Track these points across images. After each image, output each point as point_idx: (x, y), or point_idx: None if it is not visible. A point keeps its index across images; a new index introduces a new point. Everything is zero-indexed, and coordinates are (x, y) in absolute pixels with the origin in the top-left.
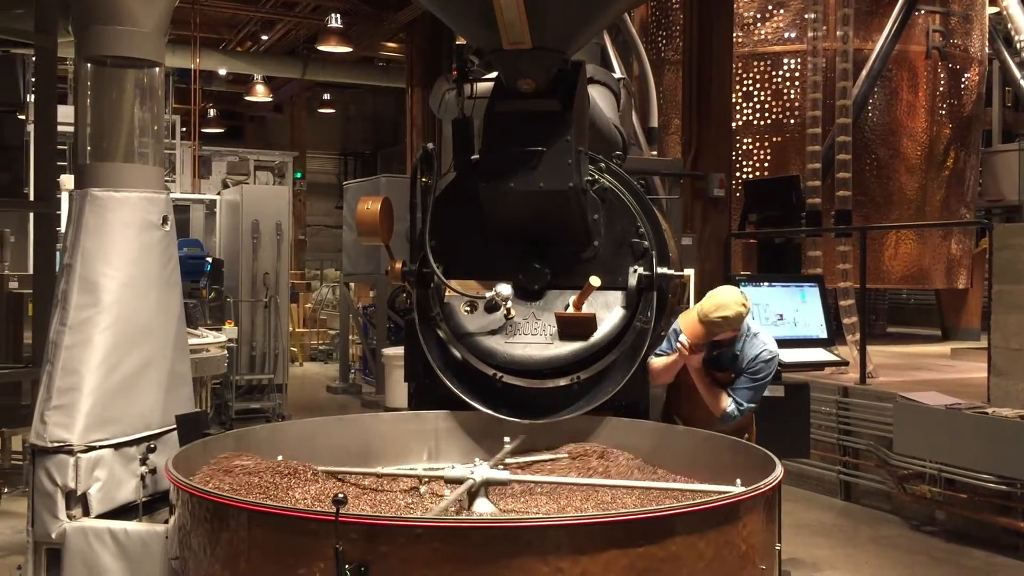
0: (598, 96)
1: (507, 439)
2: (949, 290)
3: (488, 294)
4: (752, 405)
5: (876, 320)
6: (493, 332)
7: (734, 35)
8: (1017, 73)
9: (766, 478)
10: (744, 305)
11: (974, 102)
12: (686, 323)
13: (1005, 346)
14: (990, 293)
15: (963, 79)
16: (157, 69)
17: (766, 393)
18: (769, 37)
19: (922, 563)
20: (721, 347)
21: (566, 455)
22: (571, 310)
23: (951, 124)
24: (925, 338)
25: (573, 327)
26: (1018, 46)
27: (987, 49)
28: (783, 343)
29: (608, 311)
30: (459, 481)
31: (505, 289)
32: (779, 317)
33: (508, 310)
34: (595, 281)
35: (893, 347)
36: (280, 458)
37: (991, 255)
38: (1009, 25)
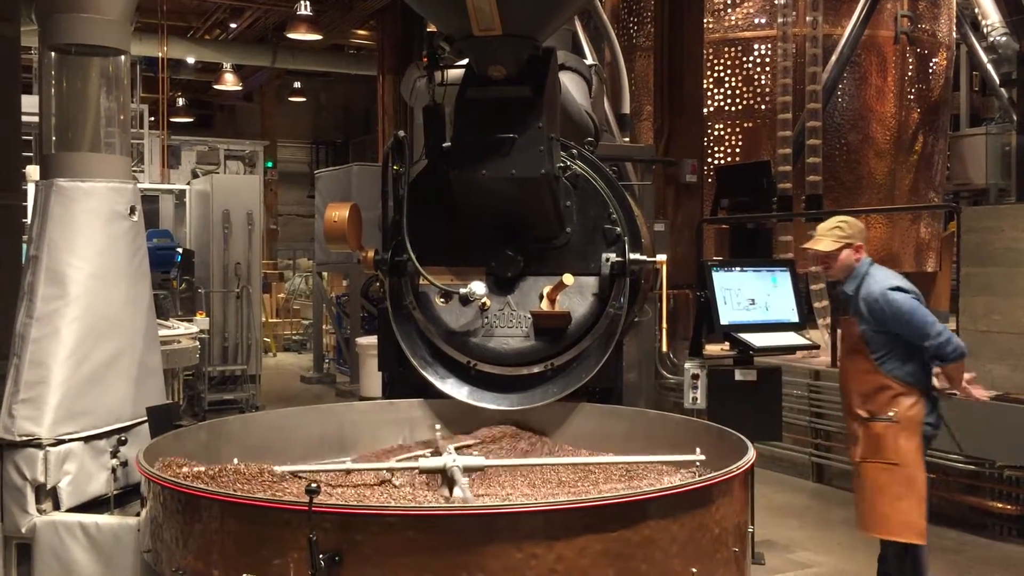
0: (570, 83)
1: (438, 426)
2: (918, 273)
3: (463, 290)
4: (940, 328)
5: None
6: (468, 326)
7: (705, 21)
8: (984, 57)
9: (739, 461)
10: (840, 226)
11: (942, 86)
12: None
13: (973, 328)
14: (958, 276)
15: (931, 64)
16: (123, 57)
17: (738, 377)
18: (739, 23)
19: None
20: (838, 285)
21: (479, 440)
22: (545, 303)
23: (919, 108)
24: None
25: (548, 324)
26: (985, 30)
27: (955, 34)
28: (755, 328)
29: (581, 297)
30: (436, 470)
31: (479, 288)
32: (751, 302)
33: (484, 303)
34: (568, 280)
35: None
36: (236, 461)
37: (959, 238)
38: (976, 10)
